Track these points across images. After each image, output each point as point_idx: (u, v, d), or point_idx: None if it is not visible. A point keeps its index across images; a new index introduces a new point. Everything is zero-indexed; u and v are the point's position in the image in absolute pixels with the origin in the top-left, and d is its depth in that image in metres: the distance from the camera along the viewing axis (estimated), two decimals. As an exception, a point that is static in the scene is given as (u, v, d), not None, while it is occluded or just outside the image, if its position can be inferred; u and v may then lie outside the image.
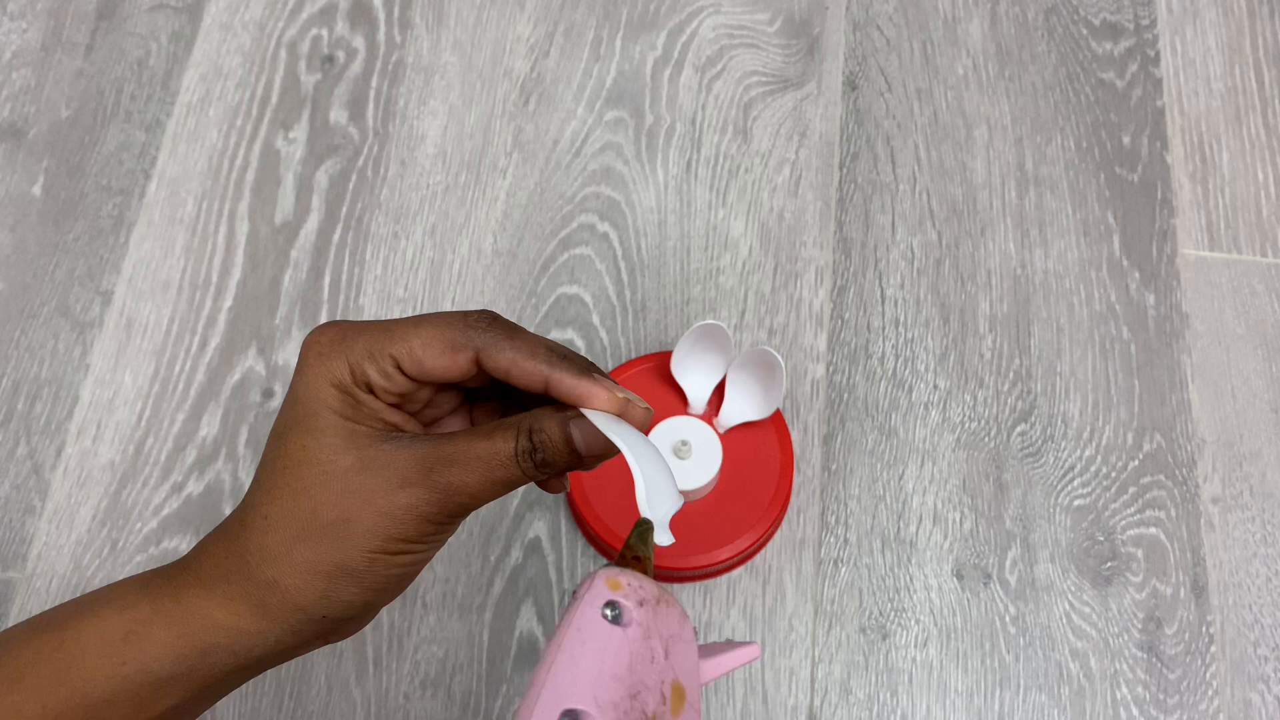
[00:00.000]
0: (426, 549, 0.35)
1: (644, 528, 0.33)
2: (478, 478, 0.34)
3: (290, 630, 0.34)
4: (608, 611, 0.30)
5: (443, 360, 0.34)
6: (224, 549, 0.34)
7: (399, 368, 0.35)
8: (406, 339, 0.34)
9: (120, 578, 0.57)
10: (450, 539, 0.58)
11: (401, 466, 0.34)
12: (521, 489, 0.58)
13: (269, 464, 0.35)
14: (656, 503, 0.33)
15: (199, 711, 0.36)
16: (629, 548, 0.33)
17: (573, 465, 0.35)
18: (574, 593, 0.32)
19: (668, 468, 0.35)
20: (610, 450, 0.35)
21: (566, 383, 0.34)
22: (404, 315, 0.64)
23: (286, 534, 0.34)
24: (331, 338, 0.35)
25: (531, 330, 0.63)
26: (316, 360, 0.35)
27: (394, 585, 0.35)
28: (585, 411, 0.34)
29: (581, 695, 0.28)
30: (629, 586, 0.31)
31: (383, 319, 0.36)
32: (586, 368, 0.35)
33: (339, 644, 0.56)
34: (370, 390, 0.35)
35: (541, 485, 0.37)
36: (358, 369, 0.34)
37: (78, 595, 0.56)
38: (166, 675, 0.33)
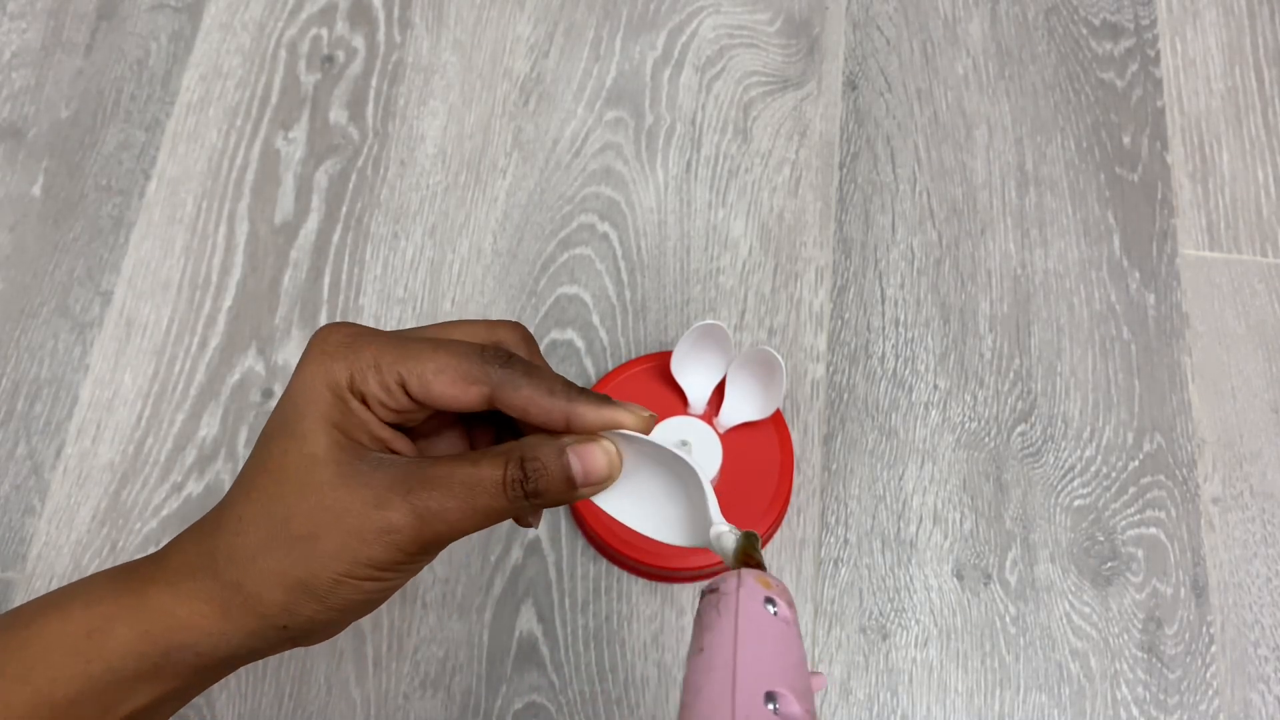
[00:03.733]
0: (395, 577, 0.33)
1: (753, 537, 0.33)
2: (459, 504, 0.32)
3: (251, 634, 0.33)
4: (769, 606, 0.30)
5: (453, 390, 0.33)
6: (195, 546, 0.34)
7: (404, 387, 0.33)
8: (420, 361, 0.33)
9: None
10: (452, 545, 0.58)
11: (380, 486, 0.32)
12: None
13: (252, 463, 0.34)
14: (714, 505, 0.33)
15: (168, 713, 0.35)
16: (748, 555, 0.33)
17: (564, 497, 0.33)
18: (711, 589, 0.31)
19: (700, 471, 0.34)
20: (604, 481, 0.33)
21: (590, 414, 0.33)
22: (404, 315, 0.64)
23: (256, 539, 0.32)
24: (340, 339, 0.34)
25: (531, 329, 0.63)
26: (318, 358, 0.33)
27: (357, 609, 0.33)
28: (611, 434, 0.33)
29: (777, 679, 0.28)
30: (778, 586, 0.31)
31: (401, 330, 0.35)
32: (604, 399, 0.33)
33: (339, 643, 0.56)
34: (365, 402, 0.33)
35: (516, 519, 0.36)
36: (358, 377, 0.33)
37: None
38: (131, 674, 0.33)
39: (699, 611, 0.31)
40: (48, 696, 0.32)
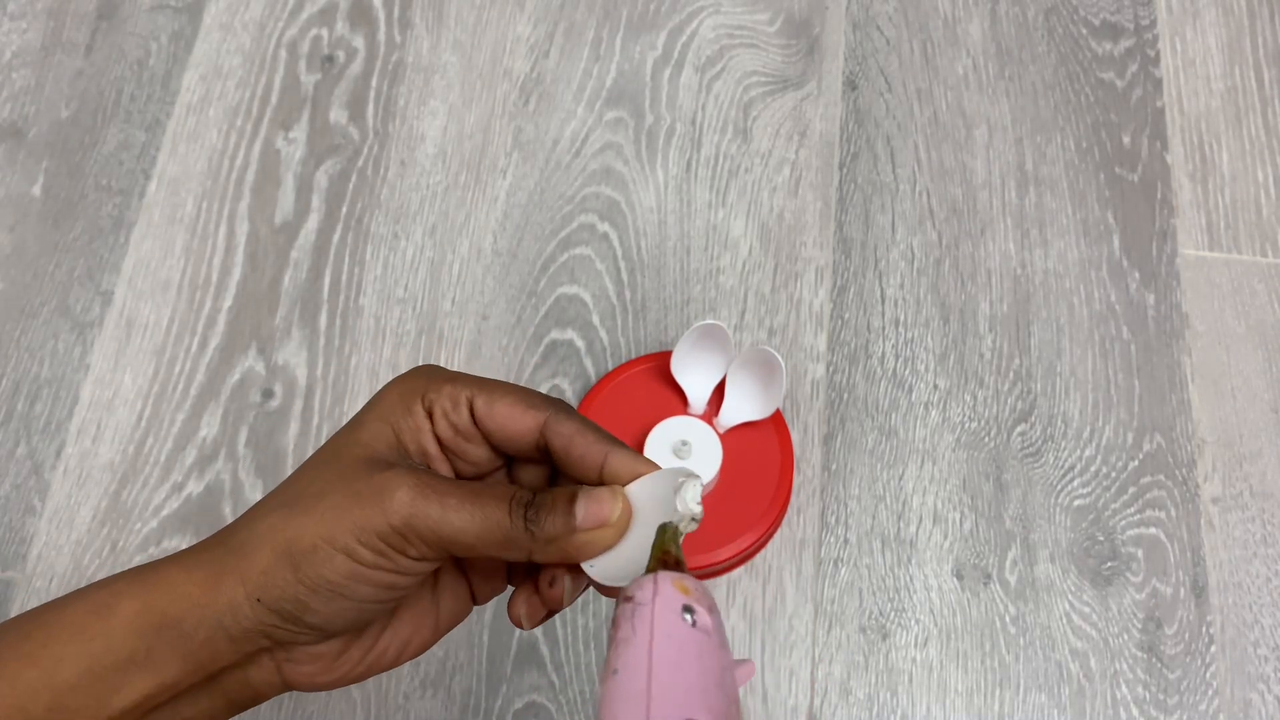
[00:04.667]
0: (371, 564, 0.33)
1: (670, 528, 0.32)
2: (461, 498, 0.33)
3: (229, 609, 0.33)
4: (687, 616, 0.29)
5: (513, 411, 0.35)
6: (231, 523, 0.35)
7: (470, 406, 0.35)
8: (489, 387, 0.35)
9: (120, 578, 0.57)
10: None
11: (398, 469, 0.33)
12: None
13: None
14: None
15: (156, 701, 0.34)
16: (667, 552, 0.32)
17: (562, 533, 0.33)
18: (626, 597, 0.30)
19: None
20: (605, 527, 0.34)
21: (625, 459, 0.34)
22: (404, 315, 0.64)
23: (275, 501, 0.34)
24: (426, 368, 0.36)
25: (531, 330, 0.63)
26: (400, 377, 0.36)
27: (326, 593, 0.33)
28: (631, 485, 0.34)
29: (696, 705, 0.27)
30: (696, 590, 0.30)
31: (475, 377, 0.37)
32: (642, 456, 0.35)
33: (339, 644, 0.56)
34: (430, 415, 0.35)
35: (538, 588, 0.36)
36: (432, 390, 0.35)
37: (76, 584, 0.56)
38: (127, 656, 0.32)
39: (614, 620, 0.30)
40: (50, 678, 0.32)
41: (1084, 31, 0.72)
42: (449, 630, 0.38)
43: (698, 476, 0.34)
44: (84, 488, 0.59)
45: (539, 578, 0.36)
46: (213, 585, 0.33)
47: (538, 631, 0.56)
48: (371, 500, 0.32)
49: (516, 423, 0.35)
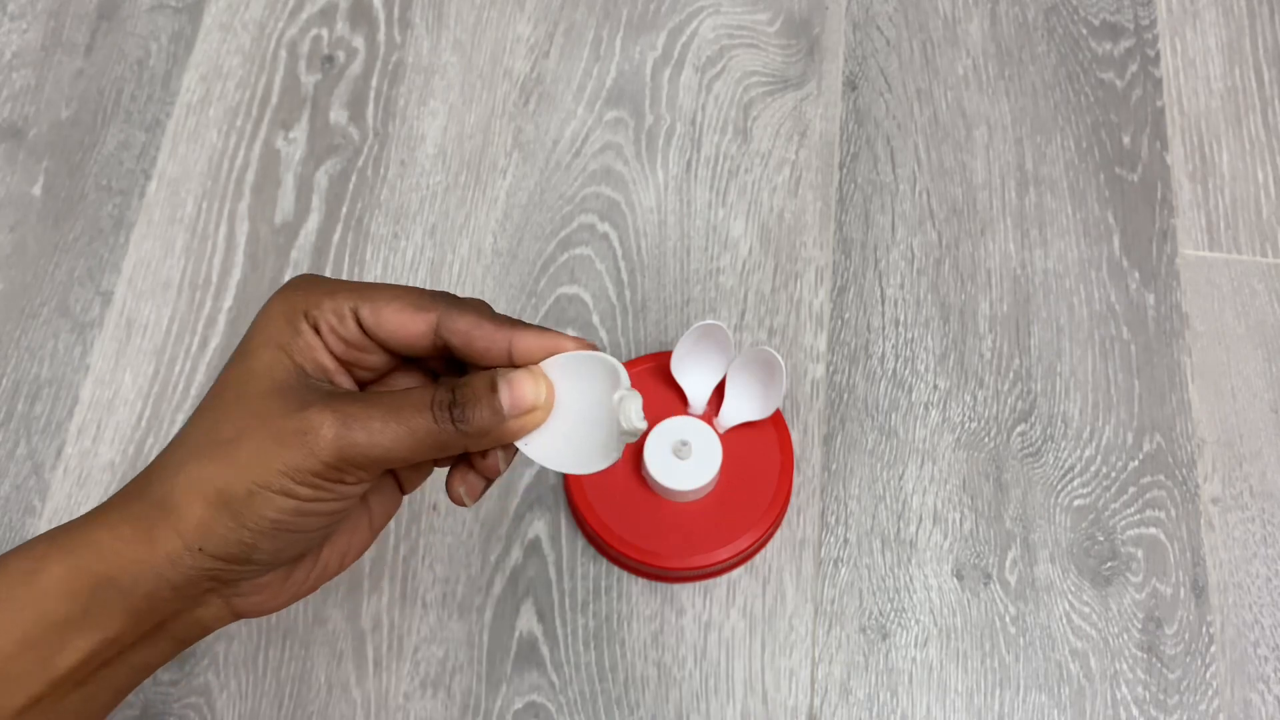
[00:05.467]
0: (312, 499, 0.32)
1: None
2: (383, 415, 0.32)
3: (169, 561, 0.32)
4: None
5: (401, 317, 0.34)
6: (139, 476, 0.34)
7: (356, 315, 0.34)
8: (372, 294, 0.34)
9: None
10: (449, 539, 0.58)
11: (309, 396, 0.32)
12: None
13: (208, 392, 0.34)
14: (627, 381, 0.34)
15: (114, 685, 0.34)
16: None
17: (492, 425, 0.33)
18: None
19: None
20: (532, 409, 0.33)
21: (532, 339, 0.34)
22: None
23: (187, 450, 0.33)
24: (303, 280, 0.35)
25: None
26: (278, 295, 0.34)
27: (271, 533, 0.32)
28: (547, 363, 0.34)
29: None
30: None
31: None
32: (547, 329, 0.34)
33: (339, 644, 0.56)
34: (317, 330, 0.34)
35: (472, 464, 0.35)
36: (314, 305, 0.34)
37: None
38: (62, 618, 0.32)
39: None
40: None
41: (1084, 31, 0.72)
42: (383, 527, 0.38)
43: (636, 393, 0.34)
44: (84, 488, 0.59)
45: (471, 454, 0.35)
46: (145, 540, 0.32)
47: (538, 631, 0.56)
48: (296, 441, 0.32)
49: (407, 328, 0.34)
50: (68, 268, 0.65)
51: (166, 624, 0.34)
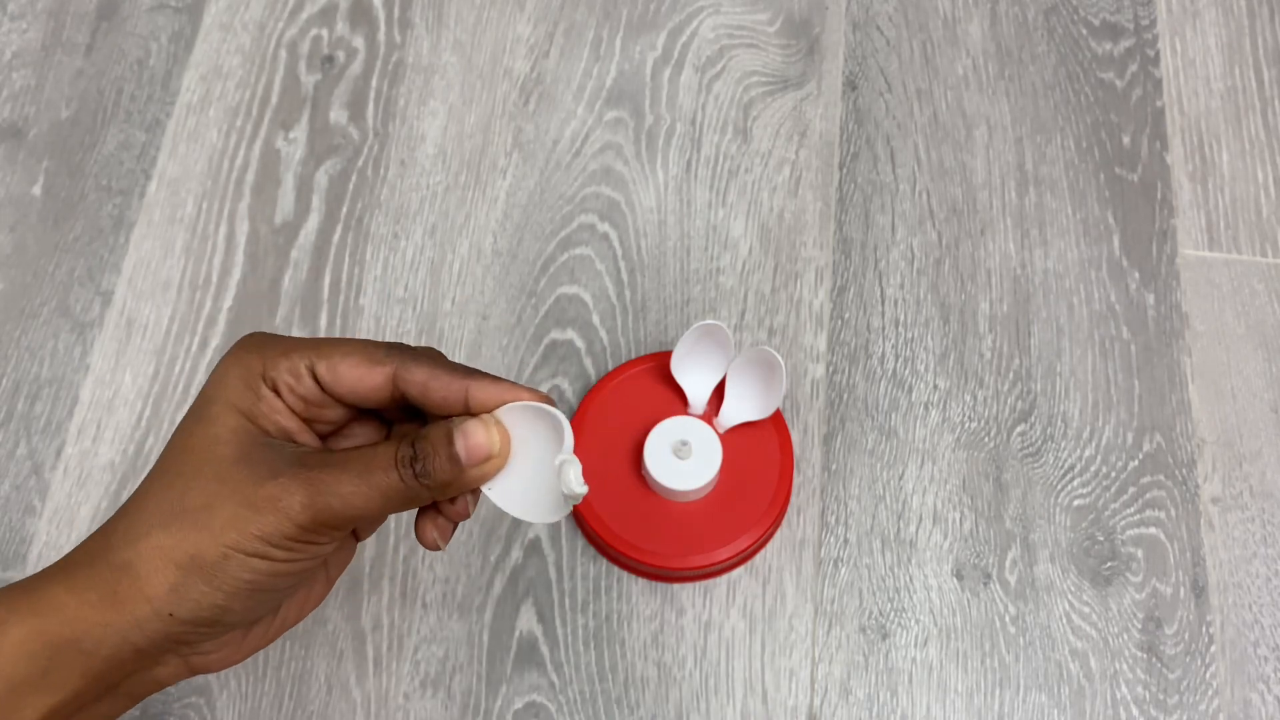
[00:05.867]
0: (286, 560, 0.33)
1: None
2: (352, 478, 0.33)
3: (135, 625, 0.33)
4: None
5: (358, 371, 0.34)
6: (95, 537, 0.34)
7: (313, 373, 0.34)
8: (327, 350, 0.35)
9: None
10: (452, 545, 0.59)
11: (278, 462, 0.33)
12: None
13: (162, 454, 0.34)
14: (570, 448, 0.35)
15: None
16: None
17: (452, 477, 0.34)
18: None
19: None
20: (488, 459, 0.34)
21: (488, 388, 0.34)
22: (404, 315, 0.64)
23: (151, 517, 0.33)
24: (255, 340, 0.35)
25: (531, 330, 0.63)
26: (234, 353, 0.35)
27: (245, 595, 0.33)
28: (503, 411, 0.35)
29: None
30: None
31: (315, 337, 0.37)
32: (501, 379, 0.35)
33: (339, 644, 0.56)
34: (276, 391, 0.34)
35: (439, 510, 0.36)
36: (270, 365, 0.34)
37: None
38: (21, 679, 0.32)
39: None
40: None
41: (1084, 31, 0.72)
42: (339, 576, 0.39)
43: (575, 460, 0.35)
44: (84, 488, 0.59)
45: (438, 502, 0.36)
46: (110, 606, 0.33)
47: (538, 631, 0.56)
48: (269, 509, 0.32)
49: (364, 381, 0.34)
50: (68, 268, 0.65)
51: (121, 683, 0.35)
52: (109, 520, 0.34)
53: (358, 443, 0.38)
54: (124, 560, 0.33)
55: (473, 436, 0.34)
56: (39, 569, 0.58)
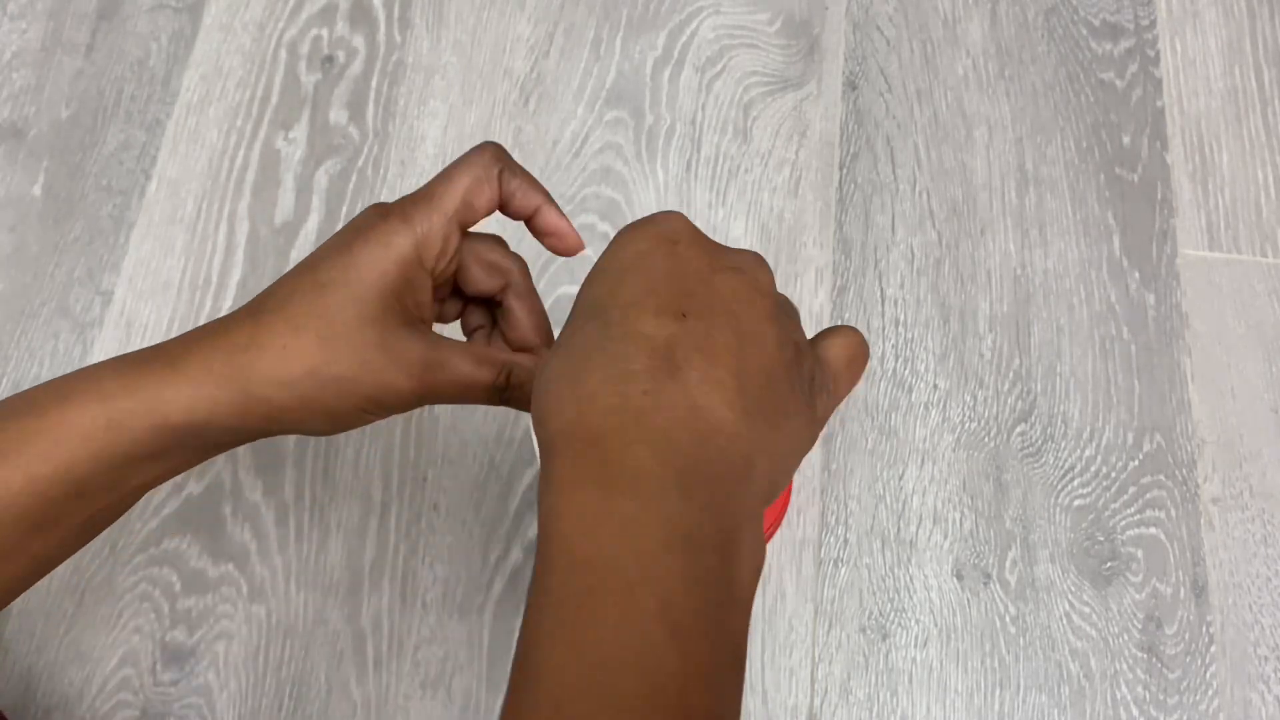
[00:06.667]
0: (371, 382, 0.37)
1: None
2: (469, 363, 0.39)
3: (256, 431, 0.38)
4: None
5: (484, 197, 0.40)
6: (223, 358, 0.37)
7: (460, 228, 0.40)
8: (452, 194, 0.39)
9: (120, 580, 0.57)
10: (449, 539, 0.59)
11: (427, 338, 0.39)
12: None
13: (328, 254, 0.38)
14: None
15: (170, 477, 0.40)
16: None
17: (526, 405, 0.39)
18: None
19: None
20: None
21: (550, 217, 0.41)
22: (404, 315, 0.64)
23: (294, 315, 0.37)
24: (396, 218, 0.38)
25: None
26: (382, 235, 0.38)
27: (331, 391, 0.37)
28: None
29: None
30: None
31: (416, 192, 0.40)
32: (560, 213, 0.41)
33: (339, 644, 0.56)
34: (432, 270, 0.39)
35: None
36: (426, 249, 0.39)
37: (75, 585, 0.56)
38: (144, 455, 0.37)
39: None
40: (68, 472, 0.36)
41: (1084, 32, 0.72)
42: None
43: None
44: (84, 488, 0.59)
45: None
46: (240, 411, 0.37)
47: (538, 631, 0.56)
48: (405, 379, 0.38)
49: (492, 205, 0.40)
50: (68, 268, 0.65)
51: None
52: (232, 320, 0.38)
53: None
54: (267, 368, 0.37)
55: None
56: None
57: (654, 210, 0.66)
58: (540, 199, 0.40)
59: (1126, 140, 0.68)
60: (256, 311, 0.38)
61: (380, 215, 0.38)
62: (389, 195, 0.67)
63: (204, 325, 0.38)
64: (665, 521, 0.27)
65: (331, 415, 0.38)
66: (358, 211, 0.66)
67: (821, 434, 0.60)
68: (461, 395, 0.39)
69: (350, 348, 0.37)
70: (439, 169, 0.67)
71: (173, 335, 0.63)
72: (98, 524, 0.39)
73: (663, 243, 0.32)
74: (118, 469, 0.37)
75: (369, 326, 0.37)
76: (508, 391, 0.39)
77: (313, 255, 0.38)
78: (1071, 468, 0.60)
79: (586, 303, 0.31)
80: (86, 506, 0.37)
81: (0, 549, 0.36)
